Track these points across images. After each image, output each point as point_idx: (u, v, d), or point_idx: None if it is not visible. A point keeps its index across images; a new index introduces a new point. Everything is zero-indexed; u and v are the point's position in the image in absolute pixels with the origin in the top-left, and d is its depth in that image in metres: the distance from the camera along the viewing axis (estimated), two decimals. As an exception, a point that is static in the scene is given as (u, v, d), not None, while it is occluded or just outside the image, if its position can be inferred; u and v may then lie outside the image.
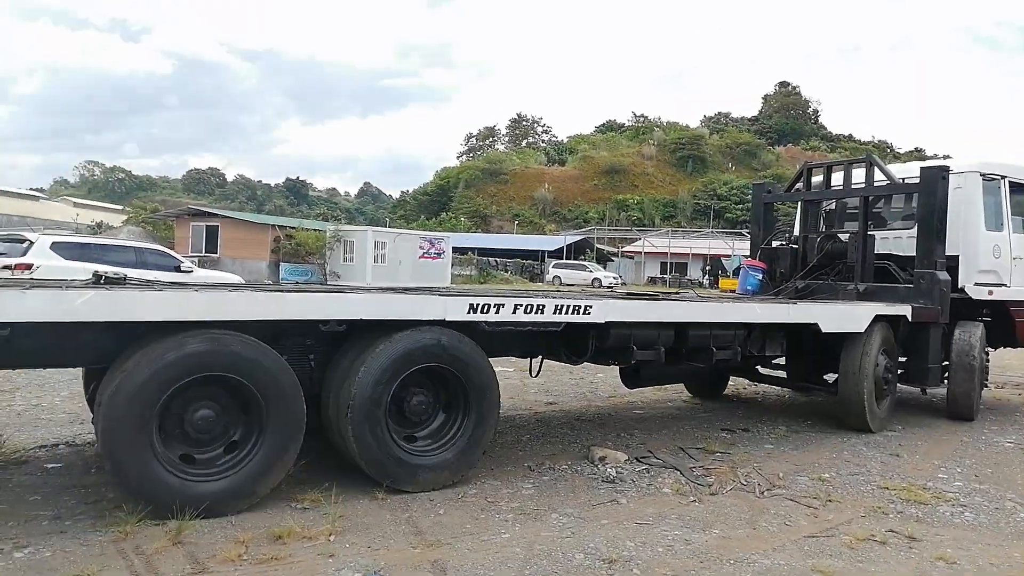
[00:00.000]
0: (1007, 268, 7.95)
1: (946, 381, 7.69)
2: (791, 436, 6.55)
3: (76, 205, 68.23)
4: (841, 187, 8.22)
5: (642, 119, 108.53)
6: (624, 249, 59.99)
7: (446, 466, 4.55)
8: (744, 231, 60.01)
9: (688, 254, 54.19)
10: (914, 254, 7.56)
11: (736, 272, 43.64)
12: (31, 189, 75.94)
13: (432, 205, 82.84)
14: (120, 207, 67.87)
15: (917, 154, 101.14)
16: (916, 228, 7.51)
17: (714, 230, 62.47)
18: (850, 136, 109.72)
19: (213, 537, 3.58)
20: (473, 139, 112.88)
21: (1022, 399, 9.21)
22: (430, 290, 5.69)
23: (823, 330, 6.49)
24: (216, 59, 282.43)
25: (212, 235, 34.86)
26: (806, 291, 8.12)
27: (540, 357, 5.86)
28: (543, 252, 52.08)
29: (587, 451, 5.55)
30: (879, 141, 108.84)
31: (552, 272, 45.33)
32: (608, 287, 37.35)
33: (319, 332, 4.21)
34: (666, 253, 54.41)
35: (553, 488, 4.65)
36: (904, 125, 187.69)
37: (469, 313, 4.58)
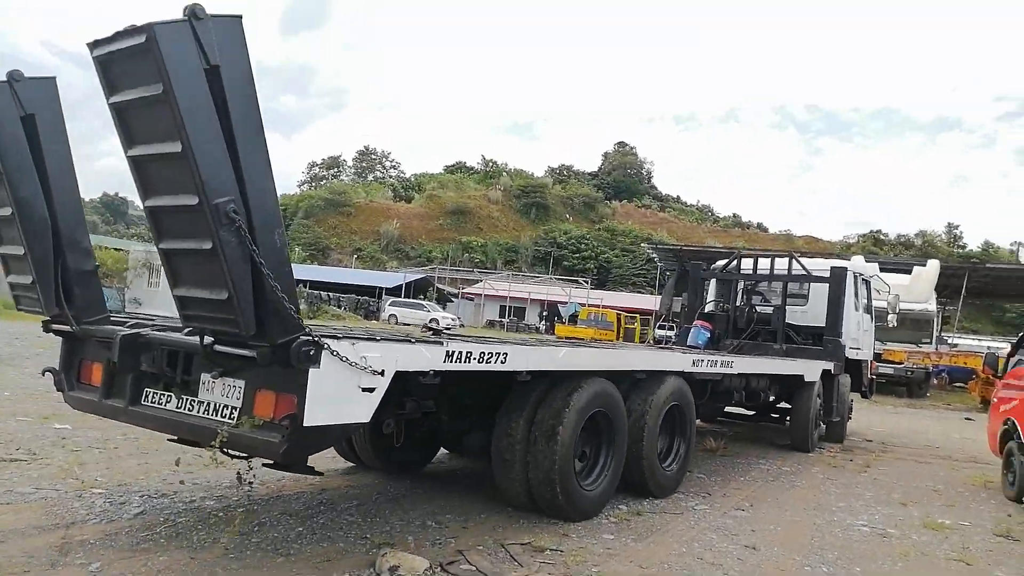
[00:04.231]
0: (860, 338, 10.96)
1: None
2: (632, 519, 5.43)
3: None
4: (767, 272, 10.64)
5: (491, 164, 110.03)
6: (464, 290, 59.26)
7: (674, 478, 6.24)
8: (580, 279, 61.53)
9: (527, 299, 54.38)
10: (802, 324, 10.31)
11: (572, 319, 44.20)
12: None
13: (266, 233, 77.93)
14: None
15: (735, 219, 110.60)
16: (824, 307, 10.00)
17: (553, 276, 63.52)
18: (678, 198, 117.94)
19: None
20: (316, 168, 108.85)
21: (854, 466, 8.85)
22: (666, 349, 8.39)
23: (806, 379, 8.95)
24: (38, 60, 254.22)
25: (-14, 246, 29.66)
26: (741, 348, 9.90)
27: None
28: (381, 289, 50.09)
29: (374, 554, 4.07)
30: (703, 205, 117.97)
31: (388, 311, 43.39)
32: (446, 328, 36.07)
33: (632, 379, 5.74)
34: (505, 296, 54.26)
35: (306, 630, 3.12)
36: (723, 192, 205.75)
37: (693, 366, 6.34)
